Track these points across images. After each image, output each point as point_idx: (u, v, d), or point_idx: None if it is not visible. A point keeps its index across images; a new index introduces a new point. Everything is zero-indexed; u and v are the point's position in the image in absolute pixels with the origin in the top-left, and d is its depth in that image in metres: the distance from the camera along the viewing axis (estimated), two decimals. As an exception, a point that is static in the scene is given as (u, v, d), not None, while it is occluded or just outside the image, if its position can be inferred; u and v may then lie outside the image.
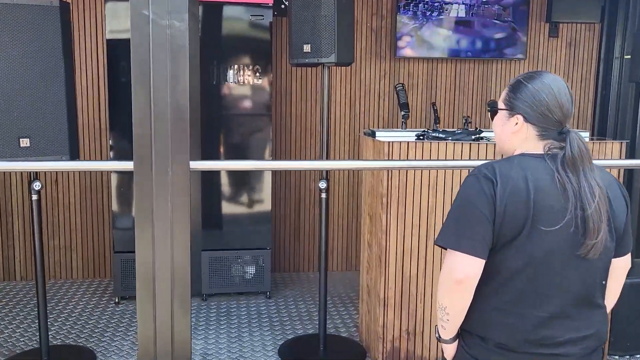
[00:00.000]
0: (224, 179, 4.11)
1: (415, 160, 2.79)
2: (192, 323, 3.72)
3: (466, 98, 4.73)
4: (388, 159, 2.78)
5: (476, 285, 1.52)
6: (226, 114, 4.06)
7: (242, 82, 4.01)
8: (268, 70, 4.03)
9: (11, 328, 3.60)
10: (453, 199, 3.00)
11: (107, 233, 4.47)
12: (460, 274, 1.50)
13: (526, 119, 1.56)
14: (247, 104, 4.06)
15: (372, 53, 4.64)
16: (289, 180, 4.68)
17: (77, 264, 4.50)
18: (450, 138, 2.96)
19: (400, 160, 2.77)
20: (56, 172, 4.29)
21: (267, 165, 1.75)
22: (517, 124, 1.57)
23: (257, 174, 4.06)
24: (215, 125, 4.04)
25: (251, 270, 4.12)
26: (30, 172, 2.93)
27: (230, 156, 4.08)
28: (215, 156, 4.02)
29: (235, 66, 3.99)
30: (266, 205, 4.15)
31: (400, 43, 4.54)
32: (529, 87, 1.57)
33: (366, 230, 3.33)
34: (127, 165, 1.92)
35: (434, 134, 2.98)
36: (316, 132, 4.65)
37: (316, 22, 2.89)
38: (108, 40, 3.92)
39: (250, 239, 4.12)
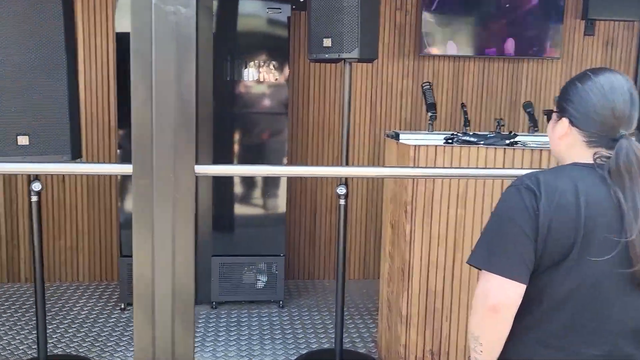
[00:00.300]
0: (237, 180, 3.90)
1: (444, 167, 2.54)
2: (201, 333, 3.52)
3: (494, 100, 4.47)
4: (414, 166, 2.55)
5: (515, 313, 1.30)
6: (240, 113, 3.86)
7: (257, 79, 3.80)
8: (285, 67, 3.82)
9: (11, 334, 3.43)
10: (484, 209, 2.77)
11: (115, 234, 4.29)
12: (495, 300, 1.28)
13: (572, 123, 1.35)
14: (262, 102, 3.85)
15: (394, 50, 4.40)
16: (305, 183, 4.46)
17: (83, 266, 4.33)
18: (482, 142, 2.71)
19: (427, 167, 2.53)
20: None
21: (281, 171, 1.55)
22: (562, 127, 1.37)
23: (272, 178, 3.85)
24: (228, 125, 3.83)
25: (263, 277, 3.91)
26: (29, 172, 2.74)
27: (243, 157, 3.87)
28: (227, 157, 3.82)
29: (251, 62, 3.78)
30: (281, 209, 3.93)
31: (425, 40, 4.29)
32: (578, 87, 1.35)
33: (387, 239, 3.09)
34: (126, 169, 1.71)
35: (464, 138, 2.74)
36: (334, 132, 4.42)
37: (338, 14, 2.66)
38: (118, 34, 3.74)
39: (263, 245, 3.91)
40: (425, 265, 2.75)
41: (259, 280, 3.90)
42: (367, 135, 4.45)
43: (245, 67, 3.78)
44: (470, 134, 2.82)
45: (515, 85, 4.49)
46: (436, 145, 2.68)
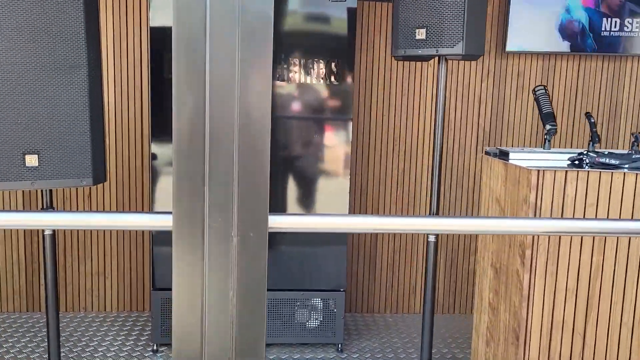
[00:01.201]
0: (290, 200, 3.31)
1: (621, 220, 1.87)
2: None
3: (590, 105, 3.76)
4: (541, 218, 1.90)
5: None
6: (292, 121, 3.26)
7: (315, 81, 3.20)
8: (349, 66, 3.20)
9: (25, 383, 2.91)
10: (630, 256, 2.11)
11: (147, 259, 3.75)
12: None
13: None
14: (321, 108, 3.25)
15: (472, 47, 3.73)
16: (366, 197, 3.84)
17: (111, 293, 3.80)
18: (626, 165, 2.04)
19: (592, 220, 1.86)
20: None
21: (378, 224, 1.02)
22: None
23: (332, 195, 3.25)
24: (281, 132, 3.24)
25: (319, 316, 3.30)
26: (44, 197, 2.21)
27: (298, 171, 3.28)
28: (278, 172, 3.23)
29: (309, 61, 3.19)
30: (341, 237, 3.32)
31: (510, 34, 3.62)
32: None
33: (487, 285, 2.45)
34: (163, 222, 1.13)
35: (601, 159, 2.07)
36: (400, 141, 3.79)
37: (437, -3, 2.03)
38: (152, 29, 3.19)
39: (320, 277, 3.31)
40: (548, 327, 2.09)
41: (314, 318, 3.30)
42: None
43: (302, 67, 3.18)
44: (605, 152, 2.15)
45: (615, 89, 3.77)
46: (566, 170, 2.03)
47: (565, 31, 3.61)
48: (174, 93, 1.05)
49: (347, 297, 3.85)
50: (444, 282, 3.92)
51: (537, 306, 2.08)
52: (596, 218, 1.77)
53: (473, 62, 3.73)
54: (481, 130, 3.79)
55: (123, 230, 3.74)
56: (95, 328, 3.55)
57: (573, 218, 1.86)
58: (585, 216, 2.01)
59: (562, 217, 1.85)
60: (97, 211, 0.97)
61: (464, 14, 2.01)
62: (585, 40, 3.63)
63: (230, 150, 1.09)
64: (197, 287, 1.09)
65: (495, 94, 3.75)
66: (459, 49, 2.04)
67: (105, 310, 3.80)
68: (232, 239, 1.09)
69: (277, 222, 1.15)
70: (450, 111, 3.78)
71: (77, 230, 3.71)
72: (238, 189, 1.10)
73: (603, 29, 3.59)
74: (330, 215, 1.05)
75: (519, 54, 3.70)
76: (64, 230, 3.69)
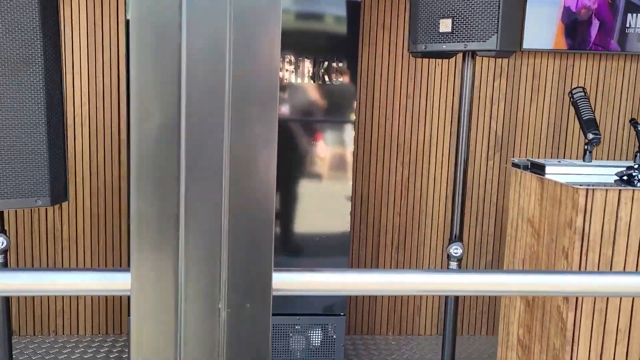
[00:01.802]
0: (287, 216, 2.97)
1: None
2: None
3: (611, 108, 3.46)
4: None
5: None
6: (289, 124, 2.92)
7: (314, 80, 2.86)
8: (353, 66, 2.87)
9: None
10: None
11: (125, 277, 3.39)
12: None
13: None
14: (321, 110, 2.91)
15: (484, 44, 3.41)
16: (367, 208, 3.51)
17: (84, 315, 3.43)
18: (688, 184, 1.73)
19: None
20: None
21: (429, 282, 0.76)
22: None
23: (332, 204, 2.91)
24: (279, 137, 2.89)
25: (317, 341, 2.97)
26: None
27: (295, 177, 2.94)
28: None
29: (307, 59, 2.84)
30: (340, 252, 2.99)
31: (527, 31, 3.31)
32: None
33: (515, 318, 2.12)
34: (116, 285, 0.79)
35: (658, 176, 1.76)
36: (404, 146, 3.47)
37: (466, -18, 1.70)
38: (129, 22, 2.82)
39: (317, 300, 2.97)
40: (595, 374, 1.77)
41: (311, 345, 2.96)
42: (446, 153, 3.49)
43: (299, 65, 2.84)
44: (659, 167, 1.83)
45: (639, 89, 3.48)
46: (620, 189, 1.71)
47: (569, 18, 3.30)
48: (132, 102, 0.70)
49: (347, 318, 3.51)
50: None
51: (582, 350, 1.76)
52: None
53: (484, 60, 3.41)
54: (493, 133, 3.48)
55: (98, 245, 3.38)
56: (66, 355, 3.18)
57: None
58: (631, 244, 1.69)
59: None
60: (15, 269, 0.72)
61: (498, 3, 1.68)
62: (592, 31, 3.33)
63: (217, 181, 0.75)
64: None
65: (509, 94, 3.44)
66: (492, 43, 1.71)
67: (77, 333, 3.43)
68: (220, 314, 0.75)
69: (285, 283, 0.80)
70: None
71: (47, 243, 3.34)
72: (228, 237, 0.76)
73: (628, 25, 3.29)
74: (362, 271, 0.75)
75: (534, 51, 3.39)
76: (32, 241, 3.32)
